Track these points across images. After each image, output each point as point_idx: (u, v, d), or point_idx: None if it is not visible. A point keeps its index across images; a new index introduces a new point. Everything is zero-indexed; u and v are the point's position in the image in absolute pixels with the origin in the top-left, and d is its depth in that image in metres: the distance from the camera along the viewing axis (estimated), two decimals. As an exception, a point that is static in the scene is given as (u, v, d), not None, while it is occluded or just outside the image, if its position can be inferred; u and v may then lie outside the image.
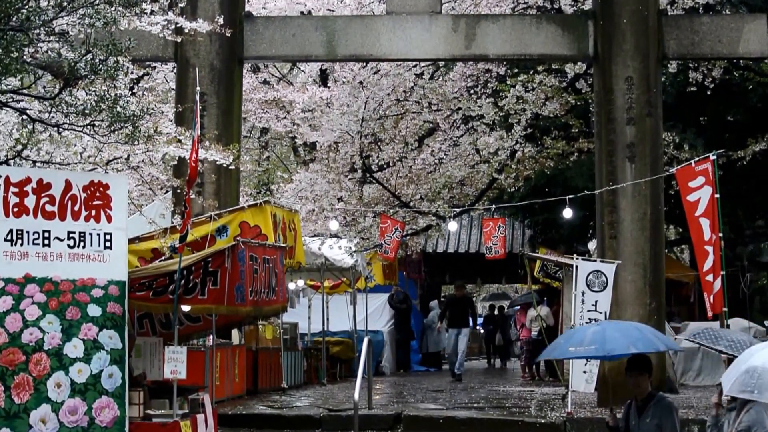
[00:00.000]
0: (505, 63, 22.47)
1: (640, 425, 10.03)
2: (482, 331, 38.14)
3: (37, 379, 11.07)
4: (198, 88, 13.76)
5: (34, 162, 12.70)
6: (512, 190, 24.94)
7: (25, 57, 11.34)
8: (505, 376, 27.60)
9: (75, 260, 11.50)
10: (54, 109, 11.76)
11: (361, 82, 22.68)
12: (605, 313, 16.51)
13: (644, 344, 10.14)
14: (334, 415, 16.78)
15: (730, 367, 9.13)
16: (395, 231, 19.92)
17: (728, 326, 15.95)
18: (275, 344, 22.10)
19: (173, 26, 15.92)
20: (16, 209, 11.30)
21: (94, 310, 11.37)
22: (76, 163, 13.02)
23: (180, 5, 17.70)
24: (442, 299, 39.83)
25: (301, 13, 24.85)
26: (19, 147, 12.43)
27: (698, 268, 16.06)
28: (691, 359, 23.09)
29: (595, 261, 17.19)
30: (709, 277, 15.33)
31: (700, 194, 15.56)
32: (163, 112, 16.94)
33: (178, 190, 15.92)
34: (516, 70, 22.86)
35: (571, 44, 18.37)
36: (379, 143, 23.72)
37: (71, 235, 11.50)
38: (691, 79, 21.41)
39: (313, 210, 23.52)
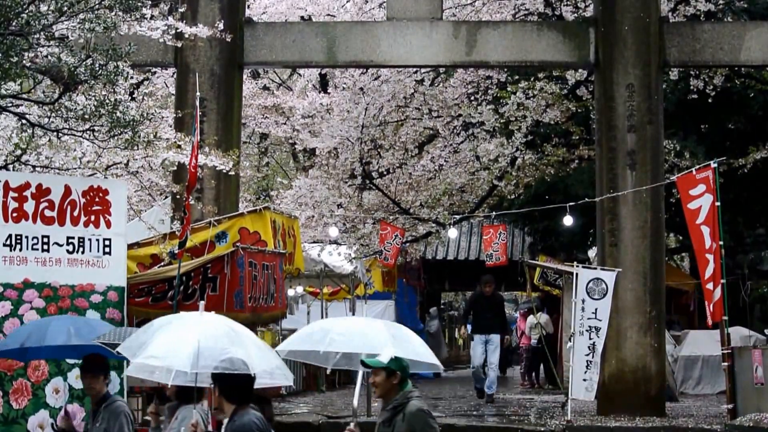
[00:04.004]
0: (505, 70, 22.42)
1: (92, 430, 9.46)
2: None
3: (35, 385, 11.05)
4: (198, 93, 13.78)
5: (34, 167, 12.67)
6: (512, 197, 24.90)
7: (24, 61, 11.31)
8: (504, 383, 27.52)
9: (74, 265, 11.49)
10: (53, 114, 11.75)
11: (361, 88, 22.64)
12: (605, 321, 16.48)
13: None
14: (332, 422, 16.73)
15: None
16: (395, 238, 19.86)
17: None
18: (274, 351, 22.01)
19: (173, 31, 15.90)
20: (15, 214, 11.29)
21: (92, 316, 11.36)
22: (75, 168, 12.99)
23: (180, 10, 17.68)
24: (442, 306, 39.82)
25: (302, 18, 24.84)
26: (19, 152, 12.41)
27: (699, 276, 16.01)
28: (691, 368, 23.06)
29: (595, 269, 17.15)
30: (710, 285, 15.29)
31: (701, 202, 15.53)
32: (162, 117, 16.94)
33: (178, 196, 15.88)
34: (516, 77, 22.81)
35: (572, 51, 18.34)
36: (379, 149, 23.69)
37: (70, 240, 11.49)
38: (692, 87, 21.37)
39: (313, 216, 23.48)
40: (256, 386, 7.77)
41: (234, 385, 7.48)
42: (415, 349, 8.36)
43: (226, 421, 7.55)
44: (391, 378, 7.90)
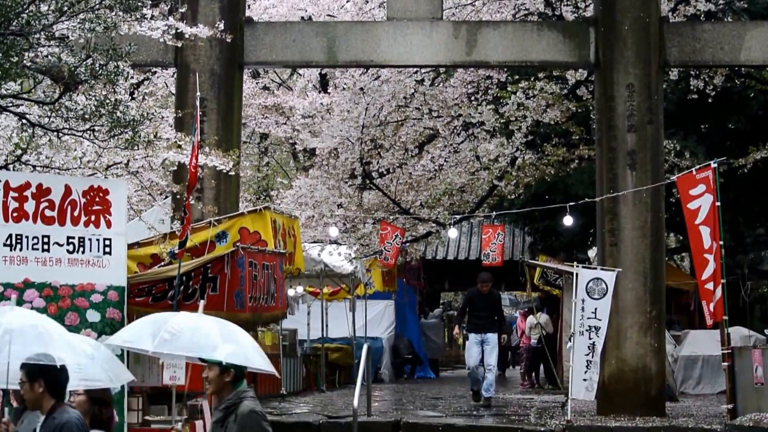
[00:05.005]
0: (505, 69, 22.43)
1: None
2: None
3: (35, 385, 11.01)
4: (198, 93, 13.78)
5: (34, 167, 12.68)
6: (512, 197, 24.90)
7: (25, 61, 11.31)
8: (504, 383, 27.53)
9: (74, 265, 11.48)
10: (54, 114, 11.75)
11: (361, 88, 22.65)
12: (605, 320, 16.48)
13: None
14: (333, 421, 16.73)
15: None
16: (395, 238, 19.87)
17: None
18: (274, 351, 22.05)
19: (173, 31, 15.89)
20: (15, 214, 11.28)
21: (93, 316, 11.36)
22: (75, 168, 12.99)
23: (180, 10, 17.69)
24: (441, 306, 39.81)
25: (302, 18, 24.85)
26: (19, 152, 12.41)
27: (696, 277, 16.02)
28: (692, 368, 23.07)
29: (595, 269, 17.14)
30: (709, 286, 15.30)
31: (701, 202, 15.53)
32: (163, 117, 16.93)
33: (178, 196, 15.88)
34: (517, 77, 22.81)
35: (572, 51, 18.34)
36: (379, 149, 23.69)
37: (70, 240, 11.49)
38: (692, 87, 21.37)
39: (313, 216, 23.48)
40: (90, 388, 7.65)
41: (57, 379, 7.27)
42: (246, 353, 7.89)
43: (42, 418, 7.30)
44: (224, 375, 7.53)
